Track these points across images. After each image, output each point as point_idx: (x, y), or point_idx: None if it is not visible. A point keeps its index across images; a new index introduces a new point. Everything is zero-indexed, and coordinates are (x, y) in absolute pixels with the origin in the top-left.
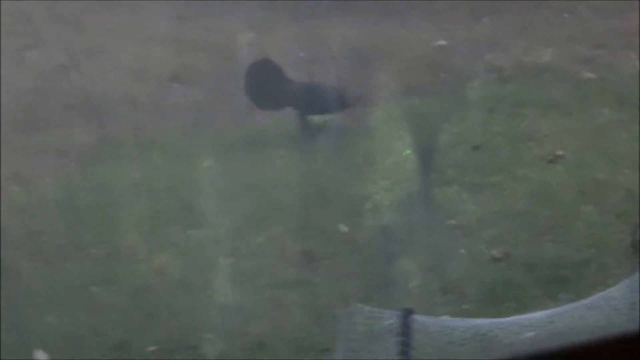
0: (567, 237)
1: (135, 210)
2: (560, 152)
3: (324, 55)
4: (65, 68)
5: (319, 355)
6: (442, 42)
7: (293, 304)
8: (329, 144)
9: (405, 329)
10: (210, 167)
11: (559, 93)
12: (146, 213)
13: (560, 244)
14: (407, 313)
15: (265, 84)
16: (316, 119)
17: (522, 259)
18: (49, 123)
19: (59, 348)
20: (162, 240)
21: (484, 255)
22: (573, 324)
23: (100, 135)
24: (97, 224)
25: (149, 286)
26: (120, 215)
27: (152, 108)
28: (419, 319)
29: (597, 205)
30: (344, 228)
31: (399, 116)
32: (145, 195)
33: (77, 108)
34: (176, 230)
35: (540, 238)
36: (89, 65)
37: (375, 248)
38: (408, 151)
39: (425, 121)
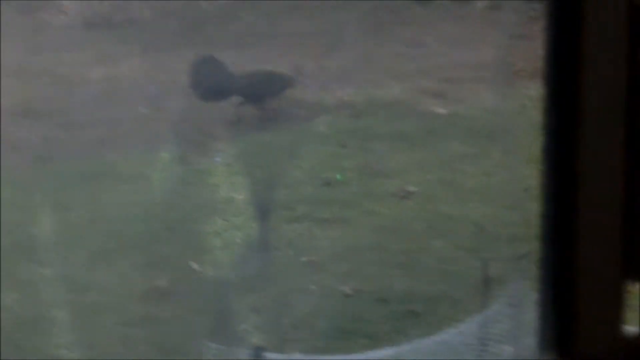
0: (417, 272)
1: None
2: (411, 188)
3: (173, 89)
4: None
5: None
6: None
7: (142, 341)
8: (174, 179)
9: None
10: (57, 202)
11: (409, 128)
12: None
13: (411, 279)
14: (258, 350)
15: (209, 78)
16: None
17: (372, 294)
18: None
19: None
20: (8, 277)
21: (334, 291)
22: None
23: None
24: None
25: None
26: None
27: None
28: (270, 356)
29: (447, 240)
30: (194, 265)
31: (249, 151)
32: None
33: None
34: (23, 267)
35: (391, 273)
36: None
37: (225, 285)
38: (256, 186)
39: (276, 156)
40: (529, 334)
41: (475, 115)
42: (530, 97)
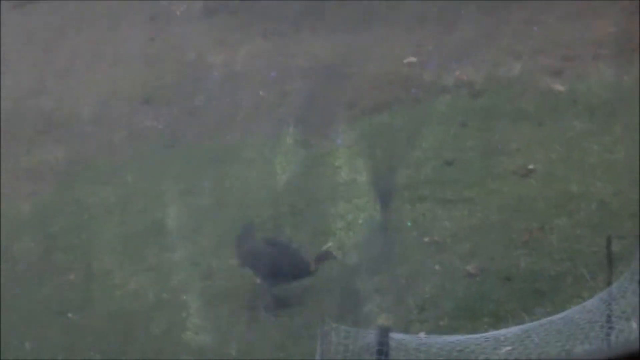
0: (541, 250)
1: (110, 233)
2: (532, 166)
3: (293, 73)
4: (37, 92)
5: None
6: (412, 59)
7: (269, 324)
8: (297, 162)
9: (382, 347)
10: (184, 187)
11: (529, 106)
12: (121, 235)
13: (535, 257)
14: (384, 331)
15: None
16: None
17: (497, 273)
18: (23, 147)
19: None
20: (137, 263)
21: (458, 270)
22: (549, 338)
23: (74, 157)
24: (72, 248)
25: (125, 310)
26: (96, 238)
27: (125, 129)
28: (395, 336)
29: (571, 218)
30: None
31: (369, 133)
32: (119, 217)
33: (50, 131)
34: (151, 252)
35: (514, 252)
36: (61, 89)
37: (350, 267)
38: (377, 168)
39: (396, 137)
40: None
41: (594, 92)
42: None
